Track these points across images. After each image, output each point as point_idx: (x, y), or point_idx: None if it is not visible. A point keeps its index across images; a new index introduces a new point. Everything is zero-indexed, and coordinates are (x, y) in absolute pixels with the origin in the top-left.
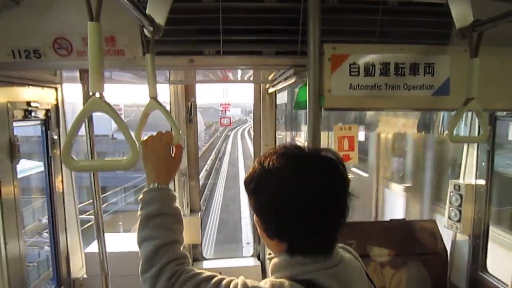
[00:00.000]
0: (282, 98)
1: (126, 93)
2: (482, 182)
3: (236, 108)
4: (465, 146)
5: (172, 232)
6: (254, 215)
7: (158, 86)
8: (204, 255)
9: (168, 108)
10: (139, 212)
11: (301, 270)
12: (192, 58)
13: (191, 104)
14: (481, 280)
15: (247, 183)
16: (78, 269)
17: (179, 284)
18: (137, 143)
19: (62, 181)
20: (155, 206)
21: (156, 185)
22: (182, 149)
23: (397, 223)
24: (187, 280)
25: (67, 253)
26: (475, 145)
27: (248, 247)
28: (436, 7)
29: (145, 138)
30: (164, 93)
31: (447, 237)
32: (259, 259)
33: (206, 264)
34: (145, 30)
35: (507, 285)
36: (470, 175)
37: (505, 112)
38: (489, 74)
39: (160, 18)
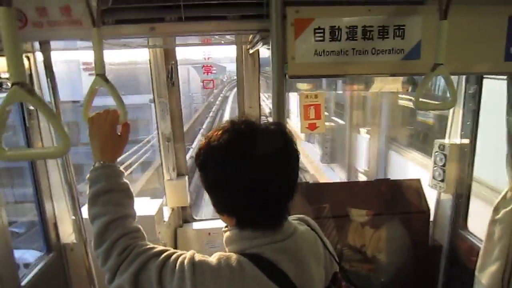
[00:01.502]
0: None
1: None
2: (466, 141)
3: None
4: None
5: (121, 207)
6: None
7: (137, 50)
8: (195, 216)
9: (148, 71)
10: (87, 191)
11: (249, 244)
12: (153, 25)
13: (171, 68)
14: (461, 238)
15: (195, 158)
16: (68, 234)
17: (130, 259)
18: (62, 134)
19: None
20: (101, 184)
21: (101, 164)
22: (129, 127)
23: (381, 182)
24: (138, 255)
25: (55, 220)
26: (462, 104)
27: None
28: None
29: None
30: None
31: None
32: None
33: (196, 225)
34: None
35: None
36: (455, 134)
37: None
38: (463, 35)
39: None
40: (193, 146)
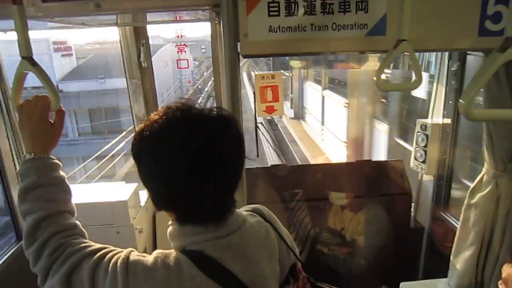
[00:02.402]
0: None
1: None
2: (449, 121)
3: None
4: (434, 84)
5: (55, 203)
6: None
7: (106, 29)
8: None
9: (119, 51)
10: (18, 186)
11: (191, 240)
12: (98, 2)
13: (142, 46)
14: (442, 219)
15: (131, 149)
16: None
17: (61, 260)
18: None
19: (7, 136)
20: (31, 178)
21: (31, 156)
22: (63, 114)
23: (362, 163)
24: (71, 254)
25: None
26: (444, 82)
27: None
28: None
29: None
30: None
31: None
32: None
33: None
34: None
35: None
36: (438, 114)
37: None
38: (432, 9)
39: None
40: None
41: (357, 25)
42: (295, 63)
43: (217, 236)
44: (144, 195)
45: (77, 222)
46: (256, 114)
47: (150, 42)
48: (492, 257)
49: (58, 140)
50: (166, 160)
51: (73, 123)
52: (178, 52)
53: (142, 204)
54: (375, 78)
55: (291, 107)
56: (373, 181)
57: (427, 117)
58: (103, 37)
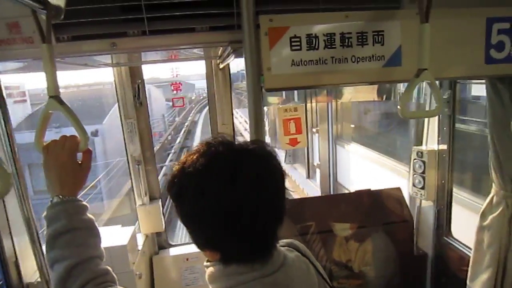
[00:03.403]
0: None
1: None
2: (444, 147)
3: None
4: None
5: (86, 247)
6: None
7: (101, 70)
8: (171, 241)
9: (114, 91)
10: (45, 232)
11: (237, 281)
12: (114, 41)
13: (138, 86)
14: (446, 245)
15: (168, 188)
16: (31, 273)
17: None
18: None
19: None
20: (61, 222)
21: (60, 198)
22: (91, 154)
23: (361, 193)
24: None
25: (16, 257)
26: None
27: None
28: None
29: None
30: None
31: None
32: None
33: (172, 251)
34: (38, 16)
35: (469, 248)
36: (432, 140)
37: None
38: (442, 39)
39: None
40: (166, 164)
41: (374, 57)
42: (272, 99)
43: (263, 274)
44: (140, 238)
45: (108, 267)
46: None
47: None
48: (510, 278)
49: (85, 182)
50: (215, 196)
51: (27, 180)
52: (173, 90)
53: (140, 248)
54: (399, 106)
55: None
56: (374, 210)
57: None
58: (66, 81)
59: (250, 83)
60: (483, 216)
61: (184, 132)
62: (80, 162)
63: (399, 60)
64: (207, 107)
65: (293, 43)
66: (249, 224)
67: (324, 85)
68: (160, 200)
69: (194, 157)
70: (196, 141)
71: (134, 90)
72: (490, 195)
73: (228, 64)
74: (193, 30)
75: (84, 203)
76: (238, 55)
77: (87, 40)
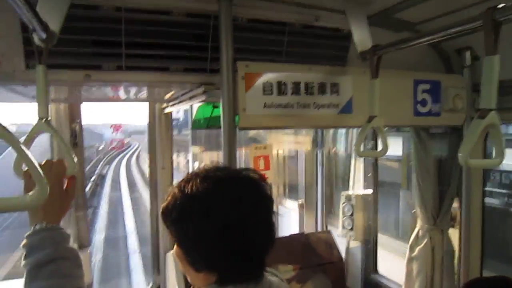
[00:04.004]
0: None
1: None
2: (369, 191)
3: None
4: (352, 160)
5: (71, 279)
6: (175, 248)
7: (33, 104)
8: None
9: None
10: (23, 262)
11: None
12: (89, 72)
13: (76, 127)
14: (373, 281)
15: (167, 213)
16: None
17: None
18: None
19: None
20: (47, 251)
21: (44, 225)
22: (75, 180)
23: (296, 237)
24: None
25: None
26: (362, 159)
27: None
28: (335, 31)
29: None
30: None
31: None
32: None
33: None
34: (35, 37)
35: (394, 282)
36: (358, 185)
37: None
38: (385, 94)
39: (54, 25)
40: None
41: (331, 105)
42: (195, 148)
43: None
44: None
45: None
46: None
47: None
48: None
49: (68, 209)
50: (220, 218)
51: None
52: (113, 132)
53: None
54: (354, 148)
55: None
56: (309, 252)
57: None
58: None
59: (226, 121)
60: (411, 248)
61: (89, 190)
62: (64, 188)
63: (350, 108)
64: (120, 156)
65: (265, 88)
66: (250, 244)
67: (291, 127)
68: (89, 248)
69: (197, 181)
70: (105, 208)
71: (72, 131)
72: (416, 229)
73: (171, 111)
74: (167, 70)
75: (67, 231)
76: (209, 96)
77: (59, 69)
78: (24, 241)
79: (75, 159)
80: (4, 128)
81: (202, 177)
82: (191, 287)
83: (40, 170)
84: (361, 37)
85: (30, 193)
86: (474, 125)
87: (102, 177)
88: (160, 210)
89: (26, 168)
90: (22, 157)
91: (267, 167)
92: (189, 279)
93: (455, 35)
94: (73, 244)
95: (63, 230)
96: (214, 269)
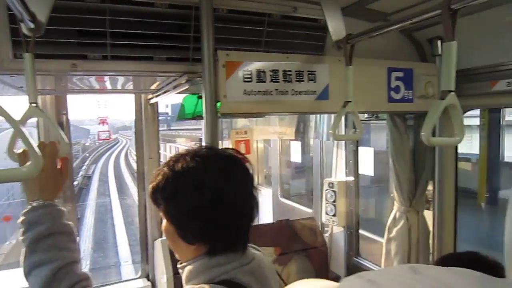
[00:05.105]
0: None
1: None
2: (351, 178)
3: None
4: (335, 148)
5: (68, 251)
6: (166, 224)
7: (19, 97)
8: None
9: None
10: (22, 237)
11: (219, 271)
12: (75, 62)
13: (63, 118)
14: (356, 265)
15: (158, 190)
16: None
17: None
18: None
19: None
20: (45, 226)
21: (41, 202)
22: (68, 162)
23: (281, 223)
24: None
25: None
26: (343, 146)
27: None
28: (312, 22)
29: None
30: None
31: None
32: (148, 279)
33: None
34: (22, 27)
35: (376, 265)
36: (340, 173)
37: (365, 115)
38: (361, 81)
39: (41, 15)
40: None
41: (308, 92)
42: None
43: (242, 263)
44: None
45: (87, 272)
46: None
47: None
48: None
49: (62, 188)
50: (214, 190)
51: None
52: (100, 123)
53: None
54: (330, 131)
55: None
56: (293, 237)
57: None
58: None
59: (208, 108)
60: (389, 229)
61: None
62: (59, 168)
63: (327, 95)
64: (107, 153)
65: (245, 76)
66: (239, 215)
67: (270, 113)
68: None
69: (187, 158)
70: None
71: (58, 122)
72: (393, 211)
73: (157, 102)
74: (151, 59)
75: (63, 208)
76: (192, 85)
77: (45, 59)
78: (22, 218)
79: (66, 140)
80: (3, 109)
81: (192, 155)
82: (179, 263)
83: (35, 145)
84: (336, 27)
85: (26, 164)
86: (435, 105)
87: (88, 179)
88: (149, 191)
89: (20, 151)
90: (19, 133)
91: (247, 151)
92: (177, 256)
93: (421, 23)
94: (67, 220)
95: (59, 207)
96: (207, 241)
